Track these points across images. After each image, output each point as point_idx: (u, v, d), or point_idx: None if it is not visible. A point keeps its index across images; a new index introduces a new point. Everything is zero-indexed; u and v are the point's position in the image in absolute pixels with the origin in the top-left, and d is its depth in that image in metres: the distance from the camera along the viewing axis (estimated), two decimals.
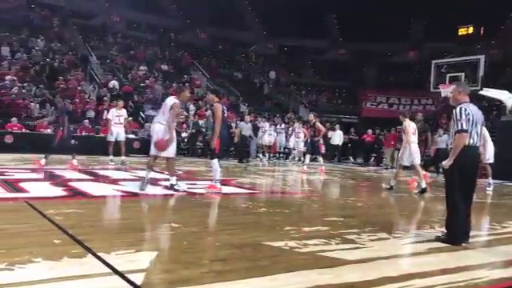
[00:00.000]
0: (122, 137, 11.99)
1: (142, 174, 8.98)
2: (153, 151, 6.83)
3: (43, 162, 9.75)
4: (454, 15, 26.71)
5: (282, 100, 28.54)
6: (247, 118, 17.03)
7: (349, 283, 2.92)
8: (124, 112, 12.37)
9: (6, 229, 3.81)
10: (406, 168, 9.66)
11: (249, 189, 8.20)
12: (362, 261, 3.49)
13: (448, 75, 17.16)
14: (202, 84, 25.42)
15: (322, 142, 13.33)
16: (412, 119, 9.35)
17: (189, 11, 31.16)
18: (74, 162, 10.00)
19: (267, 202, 7.09)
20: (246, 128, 16.13)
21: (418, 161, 8.78)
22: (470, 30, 28.56)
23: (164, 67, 25.39)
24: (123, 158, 11.72)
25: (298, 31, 30.94)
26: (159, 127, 6.77)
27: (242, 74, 30.12)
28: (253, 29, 35.05)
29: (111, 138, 11.90)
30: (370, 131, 19.80)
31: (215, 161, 7.09)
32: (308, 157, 13.15)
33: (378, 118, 24.42)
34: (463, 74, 16.78)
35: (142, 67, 24.02)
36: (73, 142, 10.67)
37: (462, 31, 28.91)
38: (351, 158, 20.42)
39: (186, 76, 25.09)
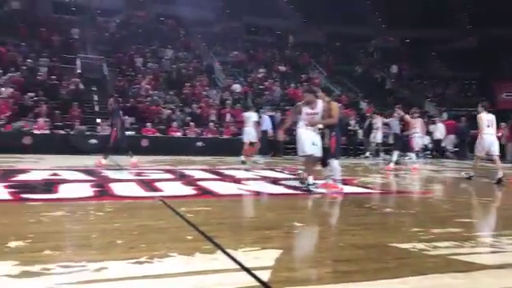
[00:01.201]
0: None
1: (264, 173, 9.26)
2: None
3: (104, 161, 10.31)
4: None
5: (406, 95, 27.27)
6: (396, 114, 16.18)
7: None
8: None
9: (145, 225, 4.17)
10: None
11: (371, 188, 7.98)
12: (501, 266, 3.19)
13: None
14: (321, 82, 25.34)
15: (413, 136, 12.48)
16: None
17: (305, 11, 31.28)
18: (134, 159, 10.46)
19: (391, 201, 6.84)
20: (395, 125, 15.23)
21: (494, 151, 9.21)
22: None
23: (282, 68, 25.80)
24: (255, 157, 12.82)
25: (420, 21, 29.28)
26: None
27: (362, 70, 29.39)
28: (371, 22, 34.01)
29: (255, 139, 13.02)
30: (502, 124, 17.91)
31: (333, 159, 7.03)
32: (396, 153, 12.35)
33: None
34: None
35: (260, 69, 24.68)
36: (125, 143, 10.92)
37: None
38: None
39: (303, 75, 25.21)
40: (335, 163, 7.01)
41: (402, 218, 5.08)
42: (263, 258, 3.15)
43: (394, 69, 29.55)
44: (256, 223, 4.62)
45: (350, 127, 18.27)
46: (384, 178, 10.03)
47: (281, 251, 3.39)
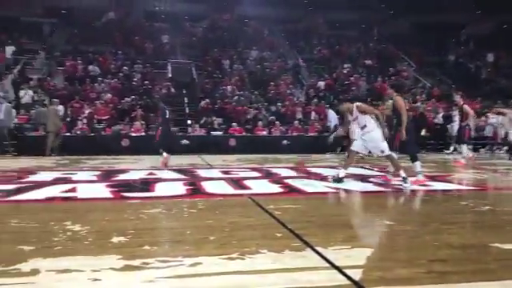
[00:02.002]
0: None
1: (352, 170, 9.11)
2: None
3: (165, 155, 10.31)
4: None
5: (504, 84, 25.27)
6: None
7: None
8: None
9: (236, 222, 4.29)
10: None
11: (467, 185, 7.53)
12: None
13: None
14: (410, 75, 24.34)
15: (471, 127, 11.76)
16: None
17: (390, 1, 30.19)
18: (164, 157, 10.39)
19: (490, 199, 6.40)
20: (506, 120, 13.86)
21: None
22: None
23: (368, 62, 25.10)
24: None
25: None
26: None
27: (455, 60, 27.72)
28: (463, 9, 31.88)
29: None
30: None
31: (393, 153, 7.04)
32: (464, 146, 11.63)
33: None
34: None
35: (345, 65, 24.22)
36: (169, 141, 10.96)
37: None
38: None
39: (391, 69, 24.33)
40: (393, 155, 7.05)
41: (502, 217, 4.75)
42: (354, 257, 3.11)
43: (490, 57, 27.45)
44: (345, 221, 4.57)
45: (436, 121, 17.36)
46: (479, 173, 9.42)
47: (372, 250, 3.34)
